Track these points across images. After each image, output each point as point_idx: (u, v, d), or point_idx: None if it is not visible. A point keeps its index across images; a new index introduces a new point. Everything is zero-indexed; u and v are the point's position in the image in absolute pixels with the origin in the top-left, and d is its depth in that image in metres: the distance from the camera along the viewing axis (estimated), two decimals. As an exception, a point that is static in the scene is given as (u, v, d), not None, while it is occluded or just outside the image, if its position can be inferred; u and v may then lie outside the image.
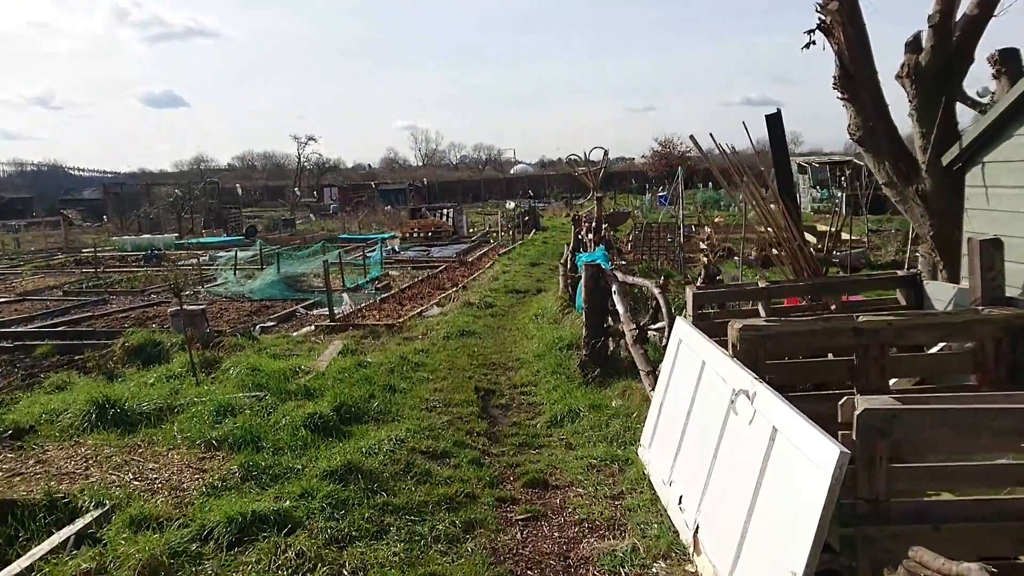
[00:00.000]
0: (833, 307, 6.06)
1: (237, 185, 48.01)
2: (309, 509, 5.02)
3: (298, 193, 53.08)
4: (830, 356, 5.91)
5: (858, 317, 4.81)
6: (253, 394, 7.52)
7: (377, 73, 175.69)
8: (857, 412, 3.41)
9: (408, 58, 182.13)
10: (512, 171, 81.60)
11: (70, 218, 47.32)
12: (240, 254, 21.47)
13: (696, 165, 73.59)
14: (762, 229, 18.39)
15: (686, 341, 5.62)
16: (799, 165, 62.21)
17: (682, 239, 16.87)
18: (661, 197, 49.90)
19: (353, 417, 7.01)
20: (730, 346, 4.91)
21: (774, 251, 6.24)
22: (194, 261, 22.17)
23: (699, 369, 5.22)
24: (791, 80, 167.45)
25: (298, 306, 14.61)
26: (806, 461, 3.53)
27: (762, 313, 6.06)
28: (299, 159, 65.37)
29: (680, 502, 5.02)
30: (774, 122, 6.36)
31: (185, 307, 11.18)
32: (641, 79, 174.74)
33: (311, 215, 48.14)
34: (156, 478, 5.62)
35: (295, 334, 11.92)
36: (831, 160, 61.85)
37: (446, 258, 21.89)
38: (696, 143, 5.89)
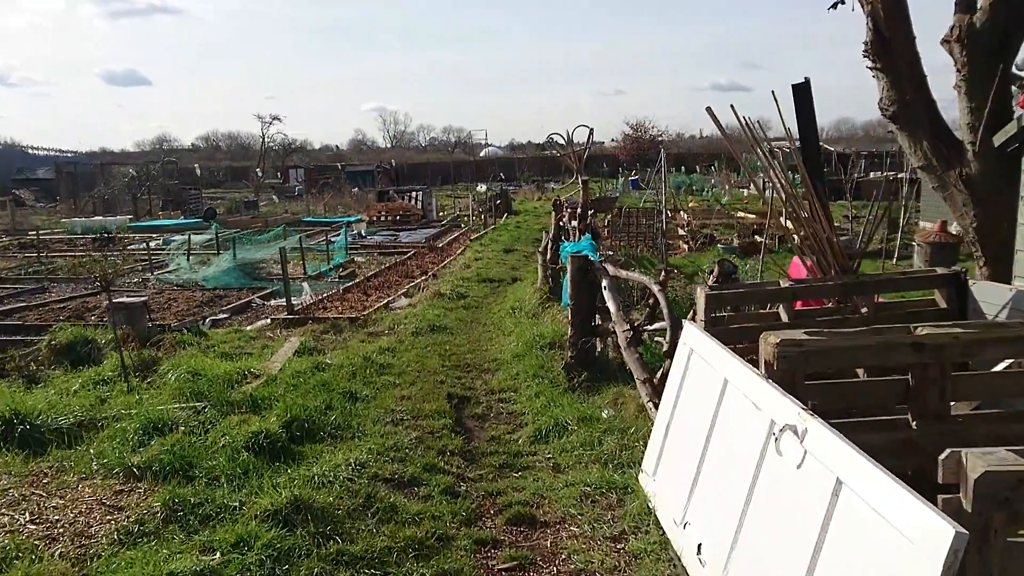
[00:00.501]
0: (864, 310, 5.20)
1: (196, 165, 45.98)
2: (243, 565, 4.04)
3: (260, 174, 51.23)
4: (861, 374, 5.07)
5: (916, 329, 3.94)
6: (191, 405, 6.47)
7: (345, 54, 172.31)
8: (975, 476, 2.52)
9: (376, 39, 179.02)
10: (482, 154, 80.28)
11: (22, 198, 45.16)
12: (195, 238, 20.16)
13: (668, 149, 73.29)
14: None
15: (700, 352, 4.72)
16: (770, 150, 62.13)
17: (664, 225, 16.00)
18: (632, 181, 49.26)
19: (306, 434, 6.02)
20: (763, 363, 4.02)
21: (796, 242, 5.35)
22: (147, 246, 20.79)
23: (720, 388, 4.32)
24: (761, 65, 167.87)
25: (255, 296, 13.49)
26: (895, 535, 2.64)
27: (784, 317, 5.19)
28: (263, 139, 63.27)
29: (699, 551, 4.13)
30: (802, 93, 5.47)
31: (123, 299, 10.03)
32: (611, 63, 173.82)
33: (274, 197, 46.51)
34: (59, 520, 4.58)
35: (249, 328, 10.84)
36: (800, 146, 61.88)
37: (415, 243, 20.82)
38: (713, 115, 4.96)
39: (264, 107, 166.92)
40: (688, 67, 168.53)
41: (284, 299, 11.69)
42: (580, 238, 8.56)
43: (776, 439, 3.48)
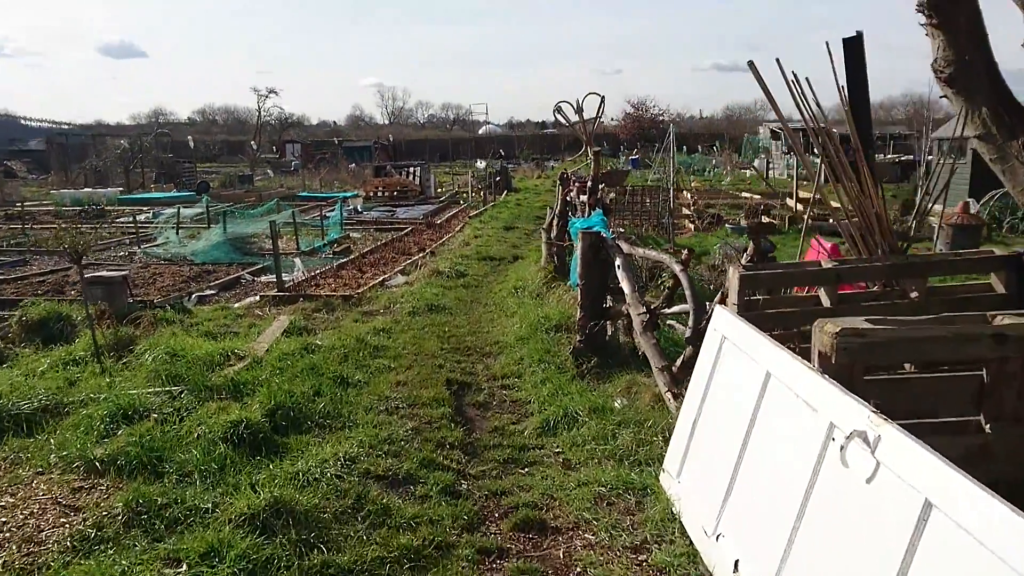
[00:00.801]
0: (915, 294, 4.64)
1: (189, 138, 45.05)
2: (213, 580, 3.50)
3: (254, 147, 50.29)
4: (908, 367, 4.53)
5: (995, 318, 3.39)
6: (167, 390, 5.92)
7: (344, 29, 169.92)
8: None
9: (375, 14, 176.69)
10: (481, 131, 79.30)
11: (13, 170, 44.27)
12: (186, 211, 19.51)
13: (667, 127, 72.40)
14: (784, 199, 16.92)
15: (735, 340, 4.16)
16: (772, 131, 61.28)
17: (672, 204, 15.40)
18: (632, 160, 48.56)
19: (292, 424, 5.47)
20: (815, 355, 3.46)
21: (843, 220, 4.78)
22: (134, 219, 20.13)
23: (761, 383, 3.77)
24: (761, 46, 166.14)
25: (244, 272, 12.89)
26: (1015, 578, 2.10)
27: (825, 301, 4.63)
28: (259, 113, 62.25)
29: (736, 568, 3.60)
30: (853, 50, 4.86)
31: (102, 273, 9.45)
32: (611, 41, 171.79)
33: (269, 171, 45.72)
34: (6, 523, 4.03)
35: (236, 305, 10.26)
36: (803, 127, 61.08)
37: (412, 220, 20.19)
38: (755, 70, 4.35)
39: (261, 81, 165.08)
40: (689, 47, 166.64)
41: (275, 275, 11.10)
42: (590, 213, 7.96)
43: (841, 447, 2.92)
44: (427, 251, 14.82)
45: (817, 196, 23.70)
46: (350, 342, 7.61)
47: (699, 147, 57.22)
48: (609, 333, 7.29)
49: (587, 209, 8.49)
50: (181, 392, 5.84)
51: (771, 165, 40.09)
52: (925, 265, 4.64)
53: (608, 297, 7.21)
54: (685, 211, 20.14)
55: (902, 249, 4.75)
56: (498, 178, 28.43)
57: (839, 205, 4.73)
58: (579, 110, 9.96)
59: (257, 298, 10.55)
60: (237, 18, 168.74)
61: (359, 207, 22.54)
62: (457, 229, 18.21)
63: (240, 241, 15.31)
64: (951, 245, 11.71)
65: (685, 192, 28.06)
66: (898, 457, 2.70)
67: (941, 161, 6.65)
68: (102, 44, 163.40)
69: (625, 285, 6.48)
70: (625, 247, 6.81)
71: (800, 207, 21.31)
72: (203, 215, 18.76)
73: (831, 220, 17.86)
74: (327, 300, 10.06)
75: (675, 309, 6.06)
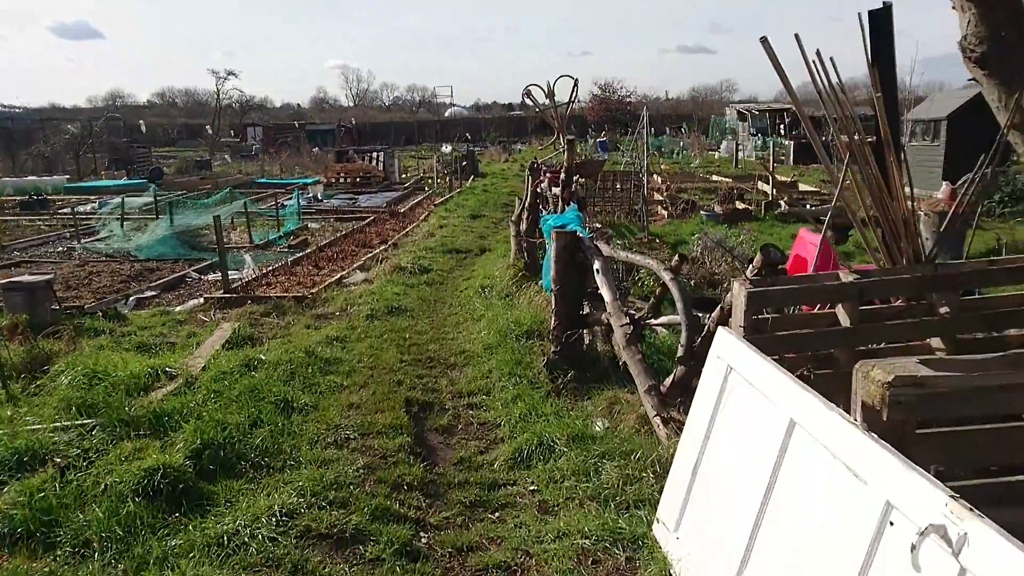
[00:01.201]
0: (945, 310, 3.98)
1: (140, 122, 43.09)
2: None
3: (209, 131, 48.59)
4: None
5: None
6: (77, 424, 5.06)
7: (307, 10, 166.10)
8: None
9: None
10: (447, 113, 78.02)
11: (-44, 156, 42.10)
12: (134, 201, 18.33)
13: (636, 110, 71.65)
14: (755, 181, 16.40)
15: (746, 374, 3.45)
16: (738, 112, 60.97)
17: (645, 191, 14.71)
18: (600, 143, 47.91)
19: (222, 466, 4.66)
20: (858, 406, 2.76)
21: (862, 217, 4.08)
22: (79, 209, 18.90)
23: (783, 431, 3.06)
24: (727, 28, 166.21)
25: (191, 269, 11.93)
26: None
27: (844, 320, 3.94)
28: (218, 95, 60.22)
29: (758, 668, 2.92)
30: (881, 22, 4.15)
31: (22, 278, 8.47)
32: (577, 24, 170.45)
33: (227, 157, 44.21)
34: None
35: (178, 309, 9.35)
36: (770, 107, 60.87)
37: (375, 208, 19.25)
38: (768, 47, 3.60)
39: (223, 63, 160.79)
40: (654, 29, 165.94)
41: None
42: (564, 208, 7.21)
43: (912, 547, 2.22)
44: (389, 243, 13.96)
45: (793, 179, 23.10)
46: (298, 356, 6.78)
47: (667, 129, 56.68)
48: (587, 341, 6.58)
49: (560, 204, 7.73)
50: (94, 428, 4.99)
51: (740, 147, 39.65)
52: (958, 276, 3.97)
53: (585, 303, 6.48)
54: (657, 196, 19.50)
55: (931, 258, 4.07)
56: (464, 163, 27.53)
57: (860, 206, 4.02)
58: (550, 94, 9.17)
59: (201, 300, 9.64)
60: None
61: (319, 195, 21.51)
62: (422, 218, 17.34)
63: (188, 234, 14.30)
64: (937, 235, 11.15)
65: (656, 176, 27.45)
66: (994, 565, 2.01)
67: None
68: (56, 24, 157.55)
69: (605, 292, 5.75)
70: (605, 249, 6.08)
71: (775, 192, 20.82)
72: (151, 205, 17.61)
73: (809, 205, 17.43)
74: (277, 302, 9.19)
75: (663, 320, 5.36)
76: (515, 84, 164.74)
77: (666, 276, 4.89)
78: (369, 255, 12.57)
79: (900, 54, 4.84)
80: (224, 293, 9.66)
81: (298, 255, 12.66)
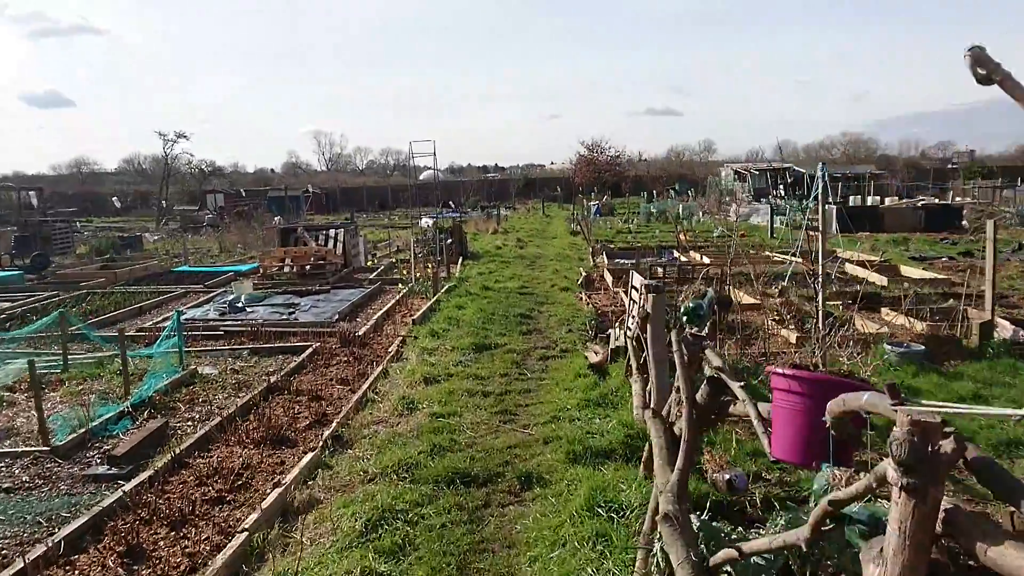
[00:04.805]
0: None
1: (31, 193, 35.16)
2: None
3: (155, 203, 41.37)
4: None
5: None
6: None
7: (280, 76, 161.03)
8: None
9: (310, 63, 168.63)
10: (421, 176, 71.73)
11: None
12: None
13: (626, 171, 65.66)
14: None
15: None
16: (736, 172, 55.15)
17: (822, 304, 7.73)
18: (594, 207, 41.56)
19: None
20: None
21: None
22: None
23: None
24: (689, 91, 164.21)
25: None
26: None
27: None
28: (166, 160, 52.94)
29: None
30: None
31: None
32: (542, 87, 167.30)
33: (149, 234, 36.98)
34: None
35: None
36: (771, 166, 55.22)
37: (319, 327, 12.02)
38: None
39: (199, 130, 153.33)
40: (620, 93, 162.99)
41: None
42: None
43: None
44: (326, 435, 6.72)
45: (884, 260, 15.57)
46: None
47: (655, 191, 50.50)
48: None
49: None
50: None
51: (776, 212, 33.08)
52: None
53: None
54: (745, 297, 12.59)
55: None
56: (449, 239, 20.47)
57: None
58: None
59: None
60: (168, 67, 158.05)
61: (243, 297, 14.21)
62: (392, 352, 10.09)
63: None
64: None
65: (696, 254, 20.66)
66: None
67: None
68: (26, 94, 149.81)
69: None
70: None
71: (882, 279, 13.94)
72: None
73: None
74: None
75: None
76: (487, 147, 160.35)
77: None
78: (279, 482, 5.30)
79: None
80: None
81: (105, 504, 5.33)
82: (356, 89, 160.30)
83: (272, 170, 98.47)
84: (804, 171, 52.78)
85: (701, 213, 35.65)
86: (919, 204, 29.41)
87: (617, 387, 7.57)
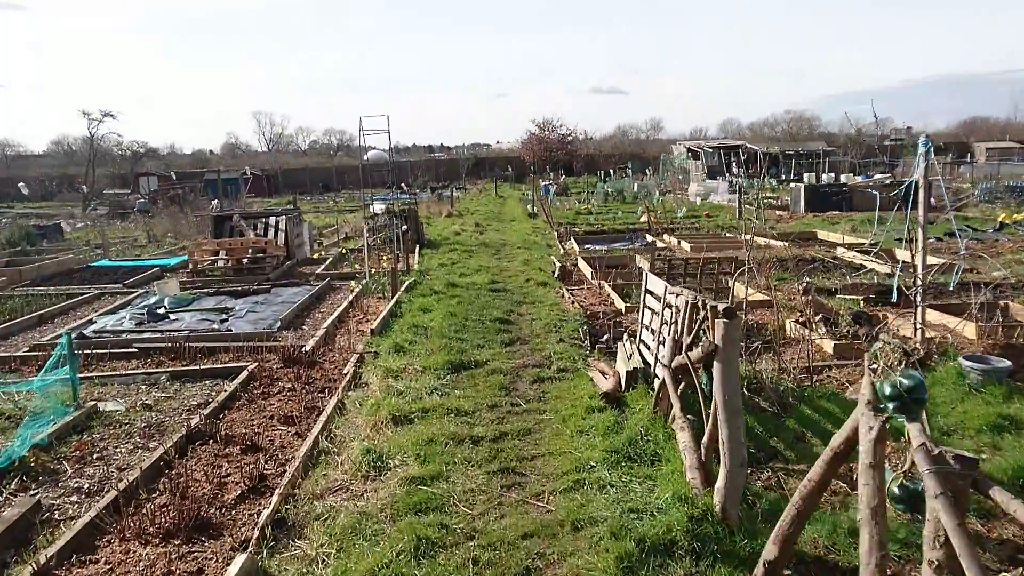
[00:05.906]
0: None
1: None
2: None
3: (79, 187, 37.90)
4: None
5: None
6: None
7: (219, 56, 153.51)
8: None
9: (246, 41, 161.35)
10: (366, 156, 68.58)
11: None
12: None
13: (577, 149, 63.85)
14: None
15: None
16: (690, 150, 53.93)
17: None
18: (544, 187, 39.82)
19: None
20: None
21: None
22: None
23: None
24: (636, 70, 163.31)
25: None
26: None
27: None
28: (91, 141, 48.82)
29: None
30: None
31: None
32: (487, 67, 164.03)
33: (75, 220, 33.74)
34: None
35: None
36: (723, 144, 54.24)
37: (257, 339, 9.90)
38: None
39: (134, 110, 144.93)
40: (564, 71, 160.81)
41: None
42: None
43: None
44: (264, 516, 4.75)
45: (873, 245, 13.77)
46: None
47: (612, 170, 48.92)
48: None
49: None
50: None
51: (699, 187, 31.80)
52: None
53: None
54: (755, 294, 10.95)
55: None
56: (405, 227, 18.35)
57: None
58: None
59: None
60: (108, 44, 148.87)
61: (166, 301, 11.92)
62: (348, 374, 8.09)
63: None
64: None
65: (678, 240, 18.99)
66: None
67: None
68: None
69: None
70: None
71: (883, 267, 12.59)
72: None
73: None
74: None
75: None
76: (433, 128, 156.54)
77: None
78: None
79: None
80: None
81: None
82: (297, 67, 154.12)
83: (211, 151, 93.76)
84: (757, 148, 52.13)
85: (658, 193, 34.17)
86: (887, 182, 28.41)
87: (646, 428, 5.78)
